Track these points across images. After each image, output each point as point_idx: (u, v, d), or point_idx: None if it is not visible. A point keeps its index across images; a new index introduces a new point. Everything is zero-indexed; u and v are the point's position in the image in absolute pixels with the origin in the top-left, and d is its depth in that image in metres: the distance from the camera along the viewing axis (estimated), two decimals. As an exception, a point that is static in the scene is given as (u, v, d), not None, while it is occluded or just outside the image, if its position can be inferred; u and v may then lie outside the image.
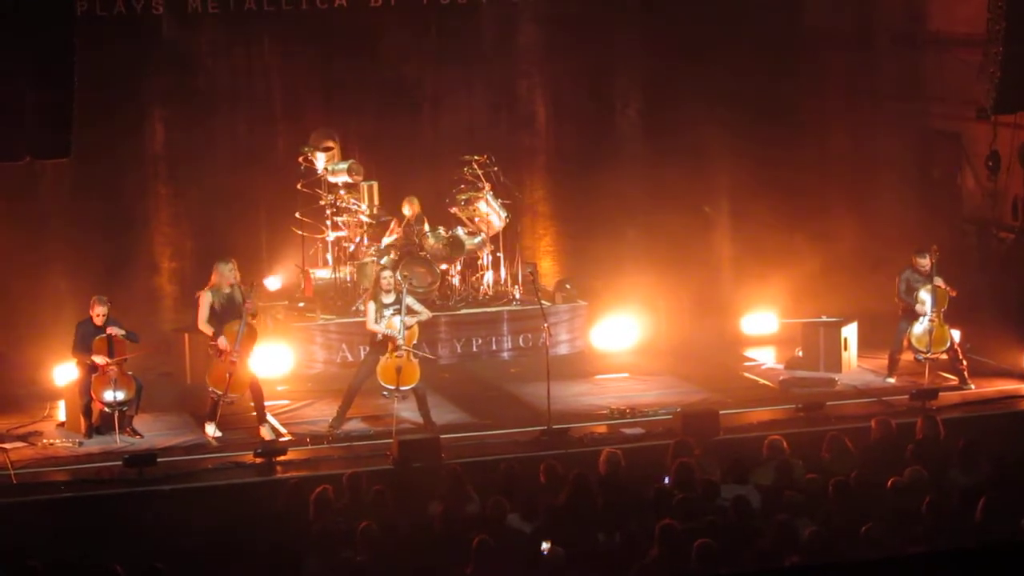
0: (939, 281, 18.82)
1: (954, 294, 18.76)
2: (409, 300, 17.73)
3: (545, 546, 12.61)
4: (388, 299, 17.66)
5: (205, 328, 17.29)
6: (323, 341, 19.78)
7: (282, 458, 16.53)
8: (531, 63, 22.13)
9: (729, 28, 21.92)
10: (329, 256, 20.60)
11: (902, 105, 22.66)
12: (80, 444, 17.34)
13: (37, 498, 15.77)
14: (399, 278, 18.25)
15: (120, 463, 16.29)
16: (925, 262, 18.81)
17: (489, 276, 20.56)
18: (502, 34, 21.99)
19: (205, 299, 17.33)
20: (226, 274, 17.34)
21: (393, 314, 17.60)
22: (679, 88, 21.96)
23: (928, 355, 18.84)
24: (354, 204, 20.30)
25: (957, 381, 18.91)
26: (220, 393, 17.26)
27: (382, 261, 19.72)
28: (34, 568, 12.38)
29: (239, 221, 21.00)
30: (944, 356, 18.93)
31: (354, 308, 19.51)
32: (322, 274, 20.55)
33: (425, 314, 17.90)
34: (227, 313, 17.25)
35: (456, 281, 20.39)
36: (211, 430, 17.46)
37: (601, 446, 15.97)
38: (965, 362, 18.94)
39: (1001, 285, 20.49)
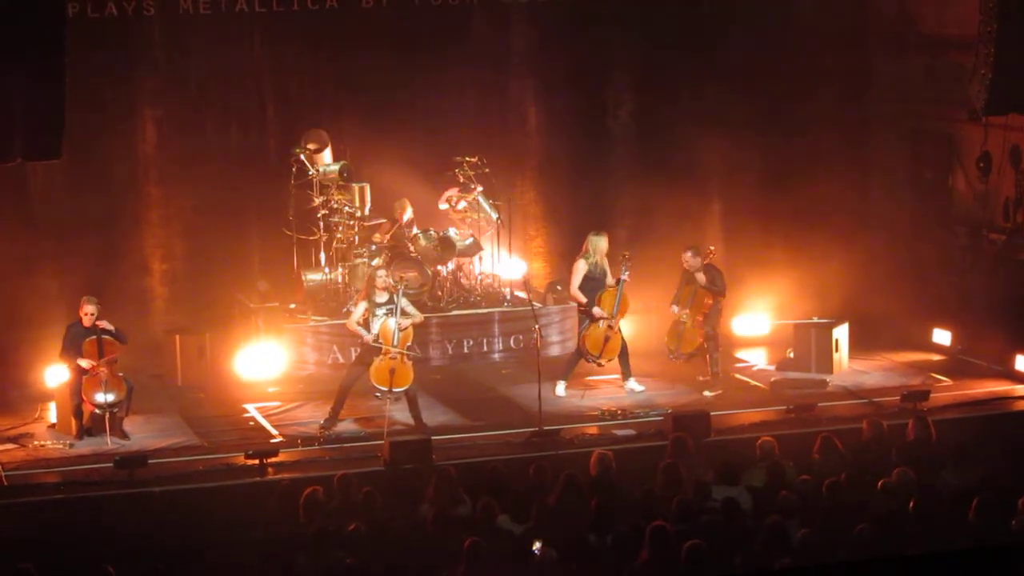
0: (701, 277, 19.08)
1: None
2: (403, 302, 17.73)
3: (537, 546, 12.61)
4: (382, 299, 17.67)
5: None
6: (314, 342, 19.75)
7: (273, 460, 16.52)
8: (523, 64, 22.11)
9: (721, 31, 21.93)
10: (321, 257, 20.58)
11: (893, 107, 22.66)
12: (71, 446, 17.33)
13: (28, 500, 15.76)
14: (393, 280, 18.21)
15: (111, 465, 16.29)
16: (694, 260, 19.08)
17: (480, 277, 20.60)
18: (494, 35, 21.97)
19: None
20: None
21: (386, 314, 17.61)
22: (670, 90, 21.98)
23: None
24: (346, 206, 20.29)
25: None
26: (595, 356, 18.77)
27: (374, 262, 19.72)
28: (26, 570, 12.36)
29: (230, 223, 20.97)
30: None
31: (345, 309, 19.48)
32: (313, 276, 20.53)
33: (418, 317, 17.91)
34: None
35: (447, 282, 20.37)
36: (560, 389, 18.86)
37: (592, 447, 15.98)
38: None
39: (992, 287, 20.51)
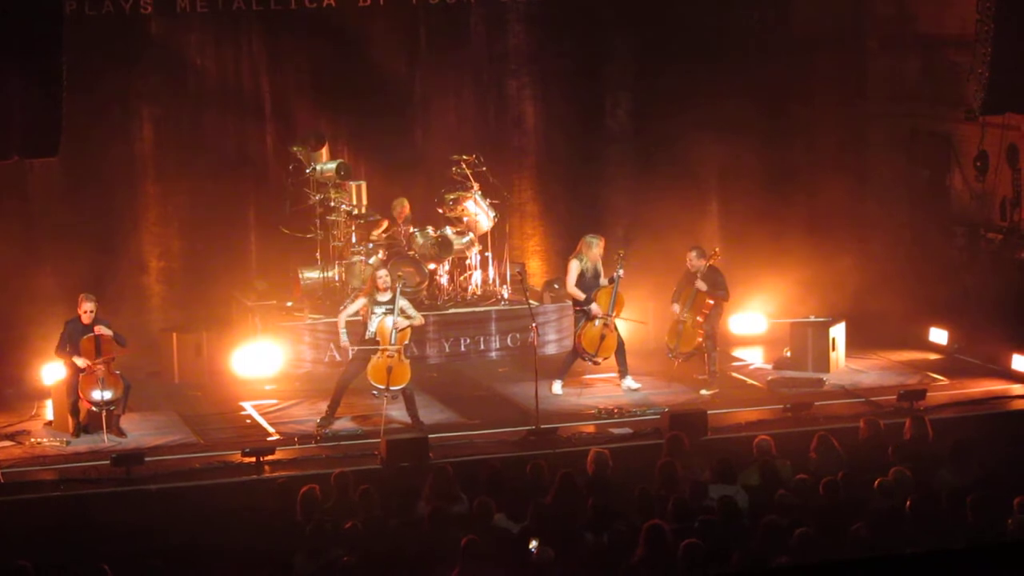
0: (700, 284, 19.11)
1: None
2: (404, 303, 17.72)
3: (533, 544, 12.61)
4: (384, 298, 17.67)
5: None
6: (311, 340, 19.73)
7: (270, 457, 16.52)
8: (520, 63, 22.10)
9: (718, 29, 21.92)
10: (317, 255, 20.57)
11: (891, 106, 22.67)
12: (67, 443, 17.33)
13: (24, 497, 15.75)
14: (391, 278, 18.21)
15: (108, 462, 16.28)
16: (698, 261, 19.13)
17: (478, 276, 20.55)
18: (491, 34, 21.96)
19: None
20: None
21: (385, 313, 17.61)
22: (668, 89, 21.94)
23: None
24: (343, 204, 20.28)
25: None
26: (591, 354, 18.91)
27: (371, 261, 19.71)
28: (23, 568, 12.36)
29: (227, 220, 20.98)
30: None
31: (342, 307, 19.48)
32: (310, 274, 20.51)
33: (418, 319, 17.90)
34: None
35: (444, 281, 20.38)
36: (557, 387, 19.00)
37: (589, 446, 15.97)
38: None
39: (989, 286, 20.52)
